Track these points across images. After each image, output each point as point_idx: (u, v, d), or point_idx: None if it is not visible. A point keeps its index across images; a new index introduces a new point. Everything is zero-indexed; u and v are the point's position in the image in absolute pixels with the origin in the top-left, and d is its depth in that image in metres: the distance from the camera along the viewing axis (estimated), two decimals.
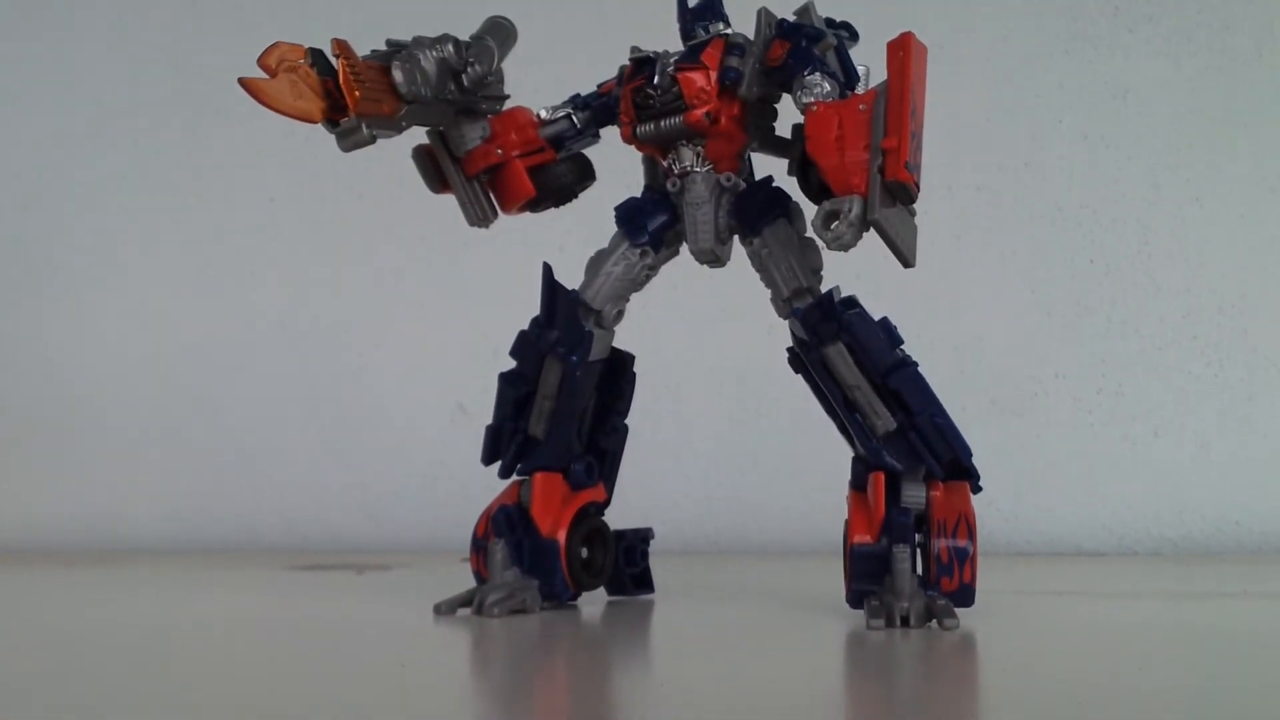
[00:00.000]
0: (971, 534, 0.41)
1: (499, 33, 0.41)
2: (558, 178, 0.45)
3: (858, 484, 0.43)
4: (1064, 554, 0.81)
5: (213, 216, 0.91)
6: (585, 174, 0.46)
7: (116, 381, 0.92)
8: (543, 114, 0.45)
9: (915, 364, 0.41)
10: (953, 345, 0.83)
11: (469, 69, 0.37)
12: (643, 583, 0.50)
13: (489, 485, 0.89)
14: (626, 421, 0.48)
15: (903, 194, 0.37)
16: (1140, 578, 0.61)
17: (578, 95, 0.45)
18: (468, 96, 0.38)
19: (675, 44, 0.44)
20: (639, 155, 0.46)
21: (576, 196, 0.46)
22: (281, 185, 0.91)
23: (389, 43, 0.40)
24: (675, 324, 0.85)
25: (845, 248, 0.38)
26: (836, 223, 0.37)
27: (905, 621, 0.38)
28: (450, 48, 0.38)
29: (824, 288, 0.43)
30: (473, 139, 0.38)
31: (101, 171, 0.92)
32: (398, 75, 0.36)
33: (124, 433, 0.92)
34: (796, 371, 0.45)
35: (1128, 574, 0.64)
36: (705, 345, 0.86)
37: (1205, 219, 0.84)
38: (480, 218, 0.44)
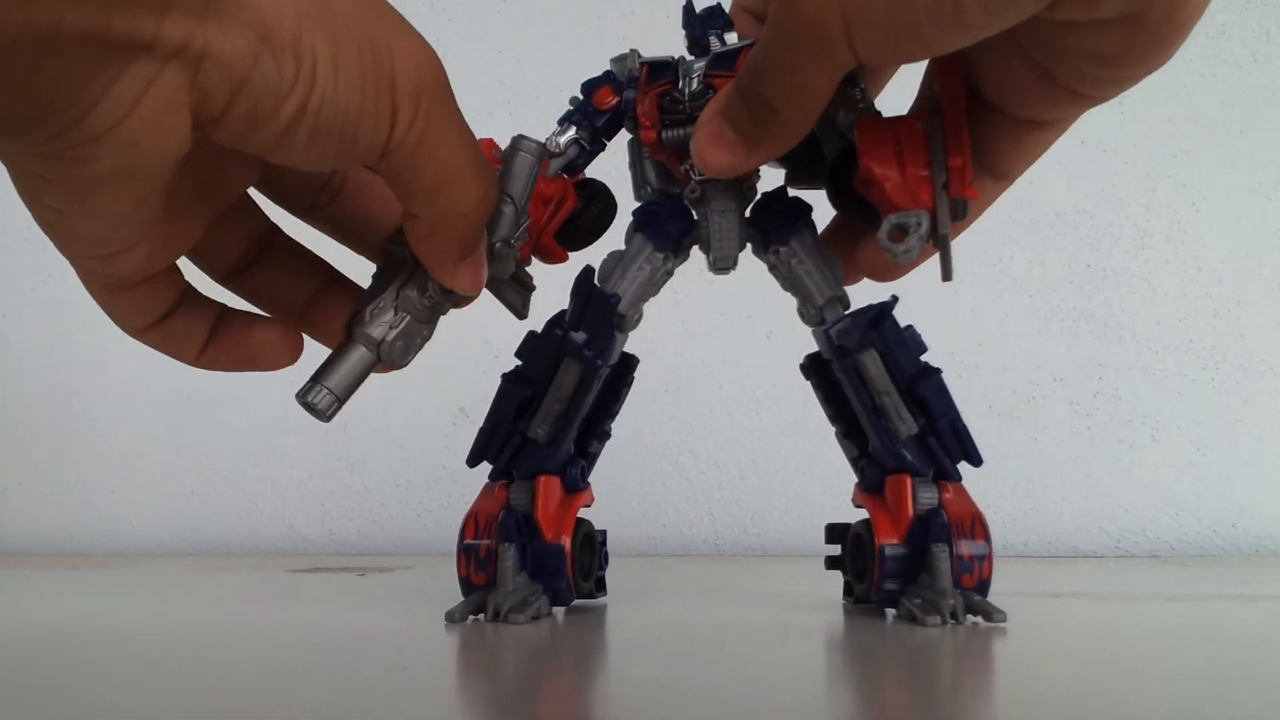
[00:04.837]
0: (986, 533, 0.41)
1: (513, 170, 0.38)
2: (586, 227, 0.43)
3: (872, 487, 0.43)
4: (1061, 556, 0.81)
5: None
6: (609, 211, 0.44)
7: (120, 385, 0.92)
8: (551, 147, 0.43)
9: (939, 370, 0.42)
10: (950, 349, 0.84)
11: (494, 249, 0.37)
12: (602, 586, 0.49)
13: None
14: (618, 422, 0.47)
15: (961, 210, 0.37)
16: (1137, 580, 0.62)
17: (573, 113, 0.44)
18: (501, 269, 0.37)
19: (660, 48, 0.44)
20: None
21: (602, 235, 0.44)
22: None
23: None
24: (675, 327, 0.85)
25: (910, 260, 0.38)
26: (907, 236, 0.37)
27: (954, 617, 0.39)
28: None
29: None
30: (510, 268, 0.38)
31: None
32: (393, 358, 0.39)
33: (127, 436, 0.92)
34: (808, 378, 0.45)
35: (1125, 576, 0.64)
36: (705, 348, 0.86)
37: (1201, 224, 0.85)
38: (526, 305, 0.41)
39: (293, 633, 0.40)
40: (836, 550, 0.47)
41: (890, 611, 0.43)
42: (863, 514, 0.45)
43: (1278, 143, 0.84)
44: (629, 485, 0.86)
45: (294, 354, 0.38)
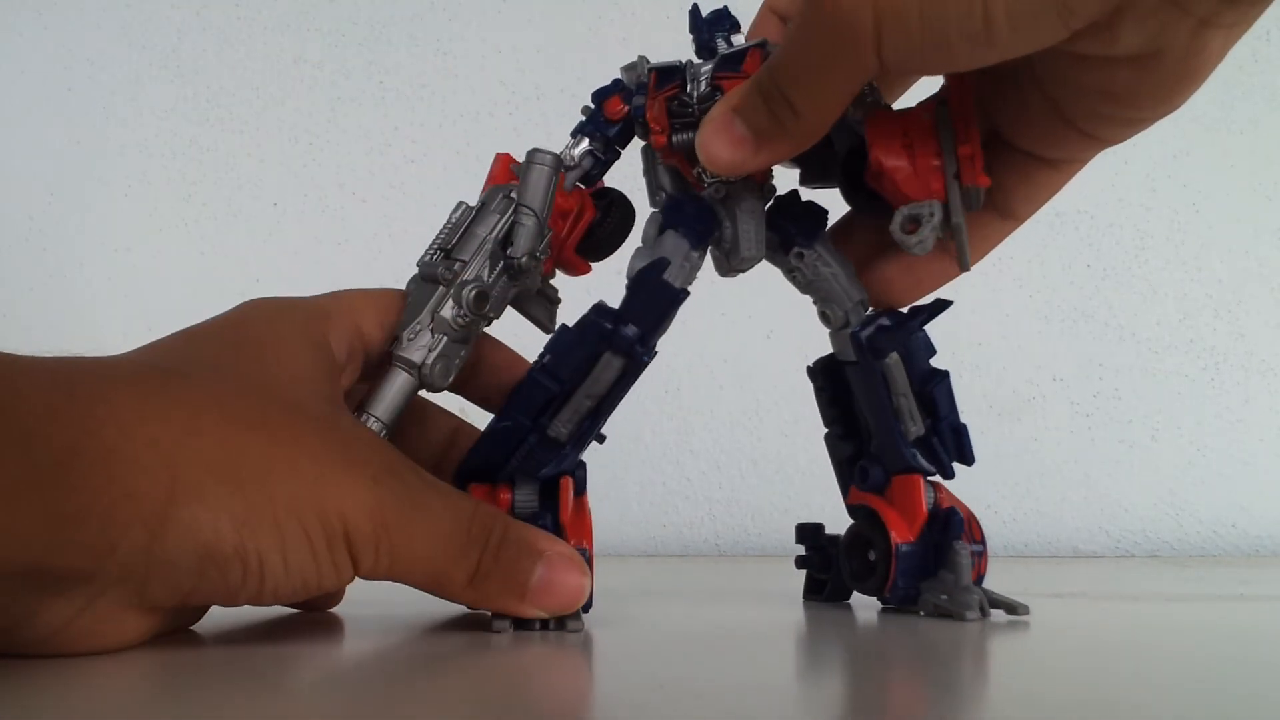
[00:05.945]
0: (981, 531, 0.42)
1: (529, 183, 0.39)
2: (605, 238, 0.43)
3: (876, 487, 0.43)
4: (1062, 556, 0.82)
5: (216, 222, 0.92)
6: (628, 219, 0.44)
7: None
8: (565, 161, 0.43)
9: (948, 373, 0.42)
10: (951, 350, 0.83)
11: (520, 264, 0.39)
12: None
13: None
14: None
15: (973, 199, 0.37)
16: (1137, 580, 0.62)
17: (585, 124, 0.44)
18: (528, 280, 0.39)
19: (660, 49, 0.44)
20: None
21: (623, 243, 0.44)
22: (284, 191, 0.91)
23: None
24: (675, 327, 0.85)
25: (925, 251, 0.38)
26: (920, 227, 0.37)
27: (983, 612, 0.40)
28: (472, 296, 0.39)
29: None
30: (537, 282, 0.39)
31: (107, 179, 0.92)
32: (434, 381, 0.39)
33: None
34: (815, 380, 0.45)
35: (1125, 576, 0.64)
36: (705, 348, 0.86)
37: (1201, 224, 0.85)
38: (552, 319, 0.42)
39: (291, 631, 0.40)
40: (803, 550, 0.47)
41: (868, 607, 0.43)
42: (839, 516, 0.45)
43: (1278, 143, 0.85)
44: (629, 485, 0.86)
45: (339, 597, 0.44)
